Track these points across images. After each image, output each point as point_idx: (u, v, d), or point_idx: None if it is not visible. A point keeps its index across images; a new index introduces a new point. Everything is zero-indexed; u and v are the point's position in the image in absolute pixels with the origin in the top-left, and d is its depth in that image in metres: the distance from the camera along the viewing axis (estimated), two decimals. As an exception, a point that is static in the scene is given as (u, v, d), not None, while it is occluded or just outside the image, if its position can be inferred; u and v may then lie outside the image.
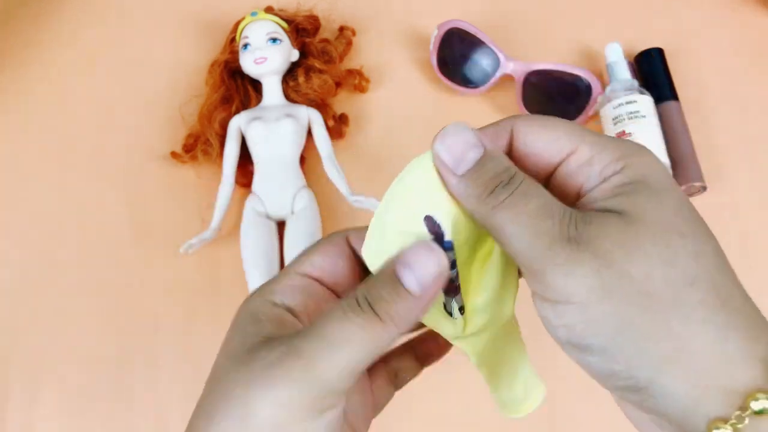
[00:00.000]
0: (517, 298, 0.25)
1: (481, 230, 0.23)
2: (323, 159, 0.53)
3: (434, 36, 0.57)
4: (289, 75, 0.56)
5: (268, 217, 0.52)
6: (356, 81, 0.58)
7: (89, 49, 0.62)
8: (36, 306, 0.53)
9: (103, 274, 0.53)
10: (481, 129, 0.23)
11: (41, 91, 0.60)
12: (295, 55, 0.56)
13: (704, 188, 0.53)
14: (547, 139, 0.22)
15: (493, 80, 0.56)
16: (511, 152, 0.23)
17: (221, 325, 0.24)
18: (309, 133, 0.55)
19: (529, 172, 0.22)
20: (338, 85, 0.58)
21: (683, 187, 0.52)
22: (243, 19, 0.56)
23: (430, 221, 0.22)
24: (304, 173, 0.54)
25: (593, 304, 0.19)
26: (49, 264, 0.54)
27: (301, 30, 0.58)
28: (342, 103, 0.59)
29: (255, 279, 0.49)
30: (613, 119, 0.53)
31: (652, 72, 0.56)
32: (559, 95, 0.56)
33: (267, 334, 0.21)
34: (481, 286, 0.24)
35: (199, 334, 0.51)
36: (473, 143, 0.21)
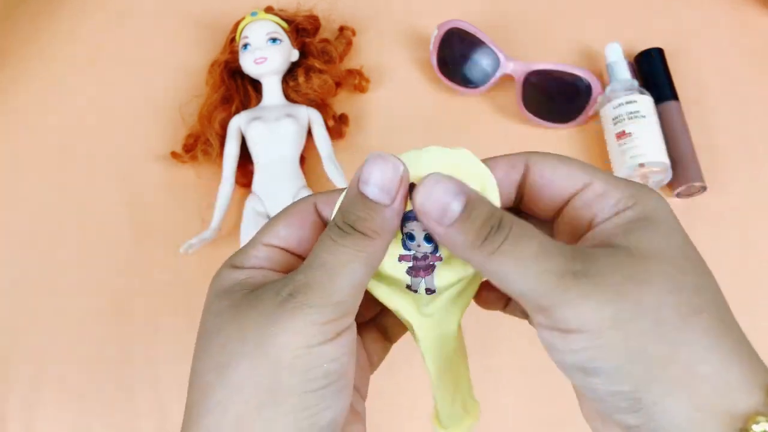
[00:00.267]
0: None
1: None
2: (323, 159, 0.53)
3: (434, 36, 0.57)
4: (289, 75, 0.56)
5: (268, 217, 0.52)
6: (356, 81, 0.58)
7: (89, 49, 0.62)
8: (36, 306, 0.53)
9: (103, 274, 0.53)
10: (495, 159, 0.24)
11: (41, 91, 0.60)
12: (295, 55, 0.56)
13: (704, 188, 0.53)
14: (563, 173, 0.23)
15: (493, 80, 0.56)
16: (524, 183, 0.24)
17: (196, 340, 0.24)
18: (309, 133, 0.55)
19: (543, 202, 0.24)
20: (338, 85, 0.58)
21: (683, 187, 0.52)
22: (243, 19, 0.56)
23: (411, 193, 0.22)
24: (304, 173, 0.54)
25: (606, 332, 0.19)
26: (49, 264, 0.54)
27: (301, 30, 0.58)
28: (342, 103, 0.59)
29: (255, 279, 0.49)
30: (613, 119, 0.53)
31: (652, 72, 0.57)
32: (559, 95, 0.56)
33: (256, 285, 0.22)
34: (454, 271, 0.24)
35: (199, 334, 0.51)
36: (455, 192, 0.21)
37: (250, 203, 0.51)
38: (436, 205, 0.21)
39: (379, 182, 0.21)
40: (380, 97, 0.59)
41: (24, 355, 0.51)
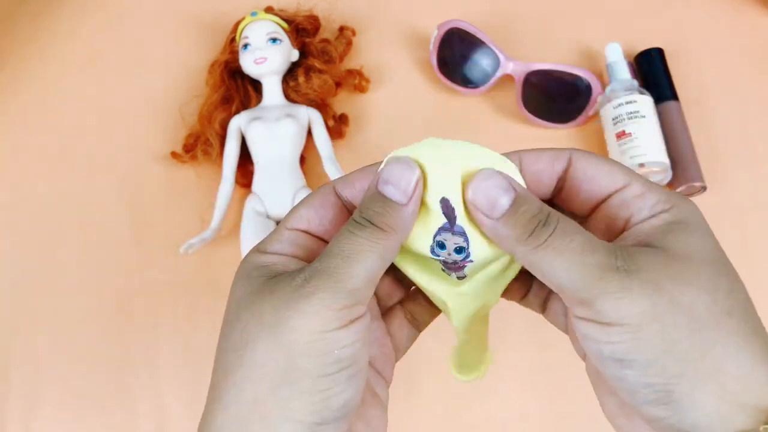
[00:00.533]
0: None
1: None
2: (323, 159, 0.53)
3: (434, 36, 0.57)
4: (289, 75, 0.56)
5: (268, 217, 0.52)
6: (356, 81, 0.58)
7: (89, 49, 0.62)
8: (36, 306, 0.53)
9: (103, 274, 0.53)
10: (540, 150, 0.25)
11: (41, 91, 0.60)
12: (295, 55, 0.56)
13: (704, 188, 0.53)
14: (604, 171, 0.24)
15: (493, 80, 0.56)
16: (565, 177, 0.25)
17: (221, 325, 0.25)
18: (309, 133, 0.55)
19: (582, 197, 0.25)
20: (338, 85, 0.58)
21: (683, 187, 0.52)
22: (243, 19, 0.56)
23: (445, 204, 0.23)
24: (304, 173, 0.54)
25: (645, 326, 0.21)
26: (49, 264, 0.54)
27: (301, 30, 0.58)
28: (342, 103, 0.59)
29: (255, 279, 0.49)
30: (613, 119, 0.53)
31: (652, 72, 0.56)
32: (559, 95, 0.56)
33: (277, 272, 0.24)
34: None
35: (199, 334, 0.51)
36: (505, 187, 0.23)
37: (250, 203, 0.51)
38: (487, 198, 0.23)
39: (397, 183, 0.23)
40: (380, 97, 0.59)
41: (24, 355, 0.51)
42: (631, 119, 0.52)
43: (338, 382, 0.22)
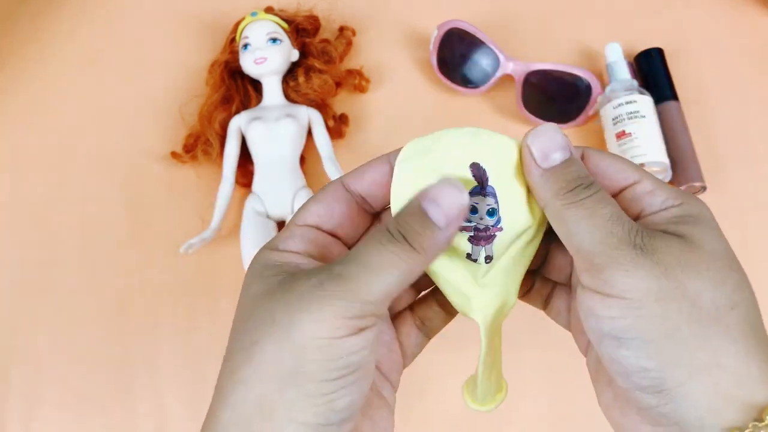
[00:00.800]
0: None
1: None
2: (323, 159, 0.53)
3: (434, 36, 0.57)
4: (289, 75, 0.56)
5: (268, 217, 0.52)
6: (356, 81, 0.58)
7: (89, 49, 0.62)
8: (36, 306, 0.53)
9: (103, 274, 0.53)
10: None
11: (41, 91, 0.60)
12: (295, 55, 0.56)
13: (704, 188, 0.53)
14: (617, 168, 0.25)
15: (493, 80, 0.56)
16: None
17: (221, 325, 0.25)
18: (309, 133, 0.55)
19: None
20: (338, 85, 0.58)
21: (683, 187, 0.52)
22: (243, 19, 0.56)
23: (476, 168, 0.25)
24: (304, 173, 0.54)
25: (647, 304, 0.21)
26: (49, 264, 0.54)
27: (301, 30, 0.58)
28: (342, 103, 0.59)
29: (255, 279, 0.49)
30: (613, 119, 0.53)
31: (652, 72, 0.56)
32: (559, 95, 0.56)
33: (290, 271, 0.23)
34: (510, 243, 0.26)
35: (199, 334, 0.51)
36: (563, 145, 0.24)
37: (250, 203, 0.51)
38: (543, 148, 0.24)
39: (445, 206, 0.22)
40: (380, 97, 0.59)
41: (24, 355, 0.51)
42: (631, 119, 0.52)
43: (342, 386, 0.22)
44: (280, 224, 0.53)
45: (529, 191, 0.25)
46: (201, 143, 0.54)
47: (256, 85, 0.57)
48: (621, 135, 0.52)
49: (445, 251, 0.25)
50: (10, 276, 0.54)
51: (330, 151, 0.54)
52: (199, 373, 0.50)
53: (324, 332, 0.21)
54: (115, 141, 0.58)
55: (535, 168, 0.24)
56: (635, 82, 0.54)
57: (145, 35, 0.62)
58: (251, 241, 0.50)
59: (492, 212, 0.25)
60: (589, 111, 0.56)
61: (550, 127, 0.24)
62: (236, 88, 0.56)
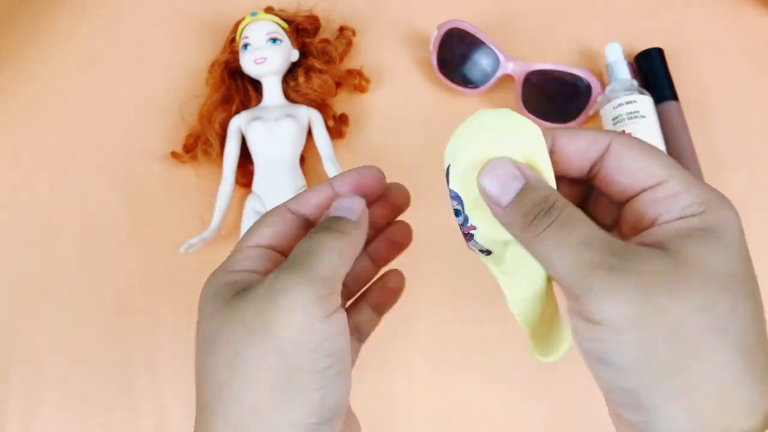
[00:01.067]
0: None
1: None
2: (323, 159, 0.53)
3: (434, 36, 0.57)
4: (289, 75, 0.56)
5: (268, 217, 0.52)
6: (356, 81, 0.58)
7: (89, 48, 0.62)
8: (36, 306, 0.53)
9: (103, 274, 0.53)
10: (576, 132, 0.25)
11: (41, 91, 0.60)
12: (295, 55, 0.56)
13: (704, 188, 0.53)
14: (641, 165, 0.23)
15: (493, 80, 0.56)
16: (602, 161, 0.24)
17: (195, 347, 0.25)
18: (309, 133, 0.55)
19: (614, 187, 0.24)
20: (338, 85, 0.58)
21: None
22: (243, 19, 0.56)
23: (447, 171, 0.25)
24: (304, 173, 0.54)
25: (625, 330, 0.20)
26: (49, 264, 0.54)
27: (301, 30, 0.58)
28: (342, 103, 0.59)
29: (255, 279, 0.49)
30: (613, 119, 0.53)
31: (652, 72, 0.56)
32: (559, 95, 0.56)
33: (245, 287, 0.24)
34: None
35: (199, 334, 0.51)
36: (514, 175, 0.23)
37: (250, 203, 0.51)
38: (497, 185, 0.23)
39: (347, 207, 0.26)
40: (380, 97, 0.59)
41: (24, 355, 0.51)
42: (631, 119, 0.52)
43: (330, 379, 0.22)
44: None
45: None
46: (201, 143, 0.54)
47: (256, 85, 0.57)
48: (621, 135, 0.52)
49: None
50: (10, 276, 0.54)
51: (330, 151, 0.53)
52: (199, 373, 0.50)
53: (300, 318, 0.22)
54: (115, 141, 0.58)
55: (496, 209, 0.24)
56: (635, 82, 0.54)
57: (145, 35, 0.62)
58: (251, 241, 0.50)
59: (457, 213, 0.26)
60: (589, 111, 0.56)
61: (497, 162, 0.23)
62: (236, 88, 0.56)
